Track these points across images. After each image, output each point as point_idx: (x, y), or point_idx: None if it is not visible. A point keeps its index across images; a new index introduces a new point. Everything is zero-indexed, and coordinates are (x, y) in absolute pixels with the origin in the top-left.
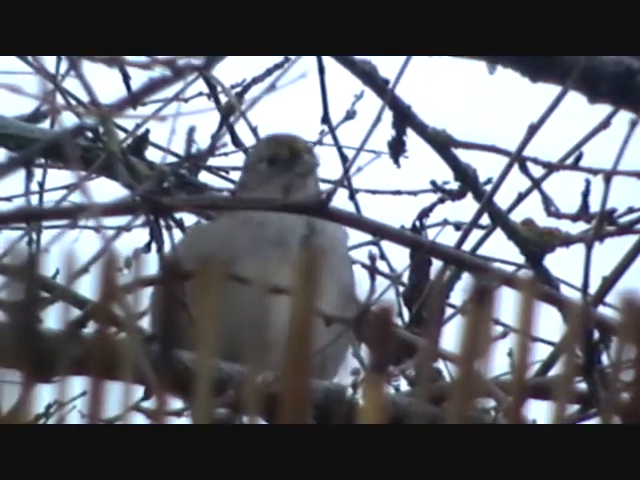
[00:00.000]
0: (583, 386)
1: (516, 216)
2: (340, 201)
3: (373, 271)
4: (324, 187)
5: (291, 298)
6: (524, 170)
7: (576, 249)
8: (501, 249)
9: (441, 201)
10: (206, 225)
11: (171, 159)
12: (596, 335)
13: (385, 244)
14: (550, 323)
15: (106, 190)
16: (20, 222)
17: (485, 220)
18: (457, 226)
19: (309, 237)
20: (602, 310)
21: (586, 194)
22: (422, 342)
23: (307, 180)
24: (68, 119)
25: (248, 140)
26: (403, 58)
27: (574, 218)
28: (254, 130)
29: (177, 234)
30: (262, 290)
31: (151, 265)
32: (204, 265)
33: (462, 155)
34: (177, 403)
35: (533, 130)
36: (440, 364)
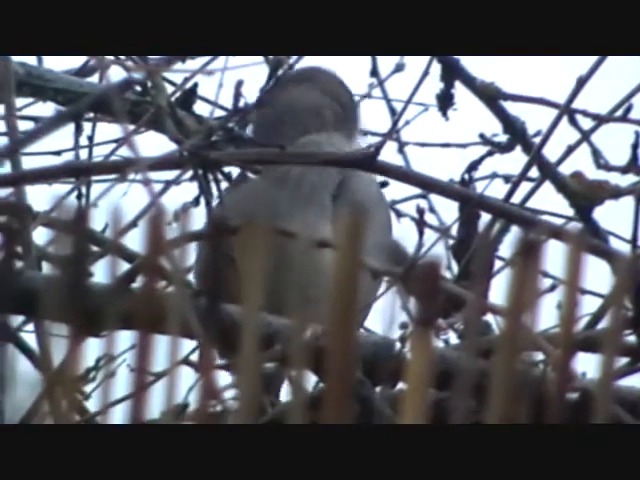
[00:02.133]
0: (632, 339)
1: (565, 169)
2: (389, 154)
3: (421, 224)
4: (372, 140)
5: (336, 252)
6: (573, 122)
7: (625, 201)
8: (550, 202)
9: (490, 154)
10: (243, 185)
11: (219, 113)
12: None
13: (434, 197)
14: (599, 276)
15: (154, 144)
16: (69, 176)
17: (534, 173)
18: (506, 179)
19: (341, 194)
20: None
21: (635, 146)
22: (470, 295)
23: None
24: (116, 73)
25: None
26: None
27: (623, 170)
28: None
29: (225, 188)
30: (307, 244)
31: (199, 219)
32: (249, 221)
33: (511, 108)
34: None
35: (582, 82)
36: (488, 317)
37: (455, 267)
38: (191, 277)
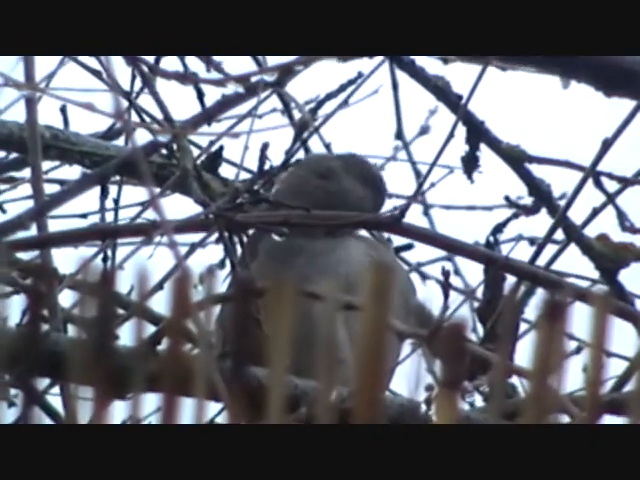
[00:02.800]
0: None
1: (590, 231)
2: (414, 217)
3: (447, 287)
4: (398, 203)
5: (363, 314)
6: (598, 185)
7: None
8: (575, 264)
9: (515, 216)
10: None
11: (245, 175)
12: None
13: (459, 260)
14: (625, 338)
15: (180, 207)
16: (95, 239)
17: (559, 235)
18: (531, 241)
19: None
20: None
21: None
22: (496, 358)
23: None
24: (142, 136)
25: None
26: (476, 74)
27: None
28: (327, 146)
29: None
30: (333, 306)
31: (225, 282)
32: (276, 282)
33: (536, 170)
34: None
35: (607, 145)
36: (514, 380)
37: (481, 329)
38: (217, 339)
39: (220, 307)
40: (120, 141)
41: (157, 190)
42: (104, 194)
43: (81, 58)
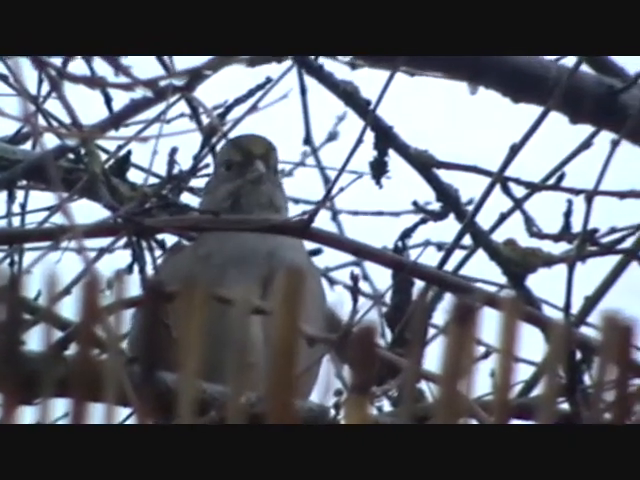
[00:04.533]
0: (565, 406)
1: (498, 236)
2: (322, 222)
3: (356, 292)
4: (306, 208)
5: (274, 319)
6: (506, 190)
7: (558, 269)
8: (483, 269)
9: (423, 221)
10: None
11: (153, 180)
12: (578, 355)
13: (367, 265)
14: (532, 343)
15: (88, 211)
16: (2, 244)
17: (467, 240)
18: (439, 246)
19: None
20: (584, 330)
21: (568, 214)
22: (405, 362)
23: (260, 186)
24: (50, 141)
25: None
26: (384, 79)
27: (556, 238)
28: (226, 141)
29: (159, 255)
30: (244, 311)
31: (133, 286)
32: (186, 286)
33: (444, 176)
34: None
35: (515, 150)
36: (423, 384)
37: (389, 334)
38: (126, 344)
39: (133, 312)
40: (27, 145)
41: (65, 194)
42: (11, 198)
43: None
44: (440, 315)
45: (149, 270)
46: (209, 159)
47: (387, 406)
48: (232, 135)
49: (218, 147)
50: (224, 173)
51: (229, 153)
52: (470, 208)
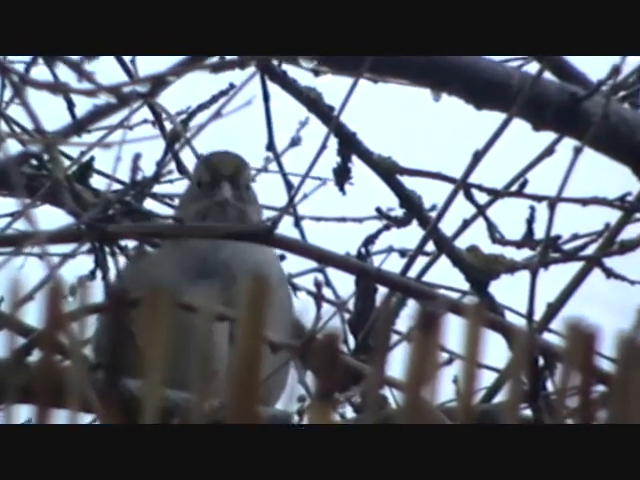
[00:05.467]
0: (528, 412)
1: (461, 243)
2: (285, 228)
3: (319, 298)
4: (269, 214)
5: (238, 326)
6: (469, 197)
7: (521, 276)
8: (446, 276)
9: (386, 228)
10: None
11: (116, 186)
12: (541, 362)
13: (331, 271)
14: (495, 350)
15: (51, 218)
16: None
17: (430, 247)
18: (402, 253)
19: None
20: (547, 337)
21: (531, 221)
22: (368, 369)
23: (226, 208)
24: (13, 146)
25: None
26: (348, 85)
27: (519, 245)
28: (199, 157)
29: (122, 261)
30: (208, 318)
31: (96, 292)
32: (151, 293)
33: (407, 182)
34: None
35: (478, 157)
36: (386, 391)
37: (353, 341)
38: (89, 351)
39: (97, 318)
40: None
41: (28, 200)
42: None
43: None
44: (404, 321)
45: (112, 276)
46: (172, 165)
47: (350, 413)
48: (196, 142)
49: (181, 153)
50: (196, 191)
51: (199, 171)
52: (433, 214)
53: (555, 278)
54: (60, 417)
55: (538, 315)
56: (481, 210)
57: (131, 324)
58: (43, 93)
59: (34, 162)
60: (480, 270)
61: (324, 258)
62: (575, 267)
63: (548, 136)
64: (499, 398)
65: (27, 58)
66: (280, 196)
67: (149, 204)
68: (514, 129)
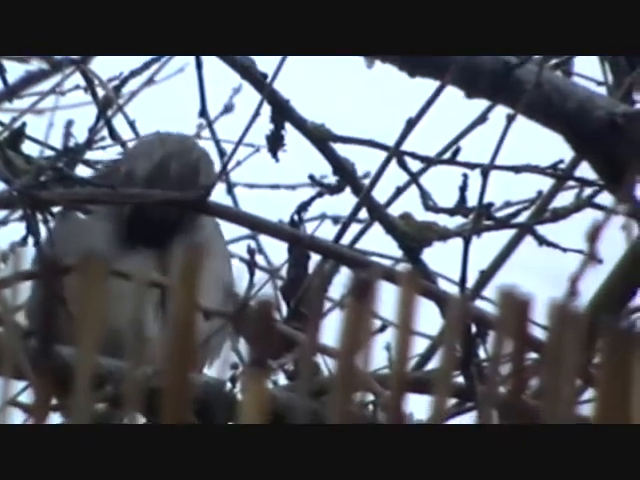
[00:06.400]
0: (461, 380)
1: (394, 210)
2: (218, 196)
3: (252, 265)
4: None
5: (172, 293)
6: (402, 164)
7: (454, 243)
8: (379, 243)
9: (319, 195)
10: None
11: (49, 153)
12: (474, 329)
13: (263, 238)
14: (429, 317)
15: None
16: None
17: (363, 214)
18: (335, 220)
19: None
20: (480, 304)
21: (463, 188)
22: (301, 336)
23: None
24: None
25: (126, 134)
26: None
27: (452, 212)
28: (132, 124)
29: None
30: (141, 285)
31: (28, 259)
32: (84, 260)
33: (340, 149)
34: (56, 399)
35: (411, 124)
36: (319, 358)
37: (285, 308)
38: (23, 317)
39: (31, 285)
40: None
41: None
42: None
43: None
44: (337, 289)
45: (43, 242)
46: (105, 132)
47: (283, 380)
48: (128, 109)
49: (114, 120)
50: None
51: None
52: (366, 182)
53: (488, 245)
54: None
55: (471, 282)
56: (414, 177)
57: (63, 291)
58: None
59: None
60: (413, 237)
61: (257, 225)
62: (507, 234)
63: (481, 104)
64: (432, 365)
65: None
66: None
67: (81, 170)
68: (447, 97)
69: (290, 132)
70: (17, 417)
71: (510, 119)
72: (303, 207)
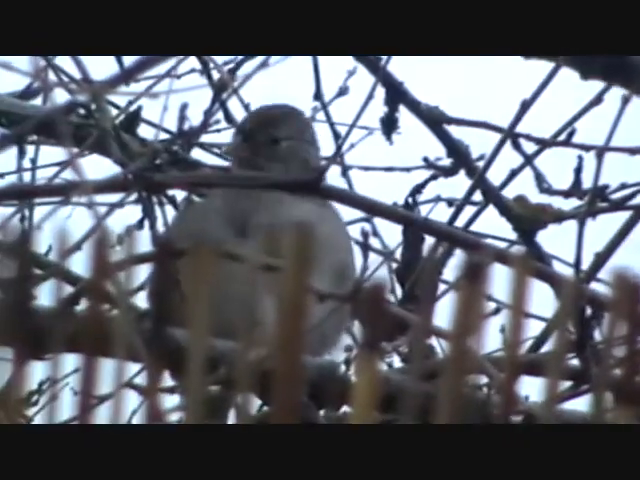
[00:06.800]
0: (575, 363)
1: (508, 192)
2: (333, 178)
3: (366, 248)
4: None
5: (283, 275)
6: (517, 146)
7: (568, 225)
8: (493, 226)
9: (434, 177)
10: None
11: (164, 136)
12: (588, 311)
13: (378, 221)
14: (543, 299)
15: (98, 167)
16: (12, 199)
17: (478, 197)
18: (450, 202)
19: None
20: (594, 286)
21: (578, 170)
22: (415, 319)
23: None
24: (60, 96)
25: (240, 116)
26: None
27: (566, 194)
28: (247, 106)
29: (169, 211)
30: (253, 267)
31: (144, 242)
32: (197, 243)
33: (455, 132)
34: (169, 381)
35: (525, 106)
36: (433, 341)
37: (399, 290)
38: (141, 300)
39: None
40: (38, 101)
41: (75, 150)
42: (21, 154)
43: None
44: (450, 271)
45: (159, 226)
46: (220, 115)
47: (397, 362)
48: (243, 92)
49: (229, 103)
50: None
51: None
52: (481, 164)
53: (603, 228)
54: (107, 366)
55: (585, 265)
56: (529, 160)
57: (177, 273)
58: None
59: (81, 112)
60: (527, 220)
61: (371, 208)
62: (623, 216)
63: (596, 85)
64: (546, 348)
65: None
66: (327, 146)
67: (197, 153)
68: (562, 78)
69: (404, 114)
70: (131, 399)
71: (625, 100)
72: (417, 189)
